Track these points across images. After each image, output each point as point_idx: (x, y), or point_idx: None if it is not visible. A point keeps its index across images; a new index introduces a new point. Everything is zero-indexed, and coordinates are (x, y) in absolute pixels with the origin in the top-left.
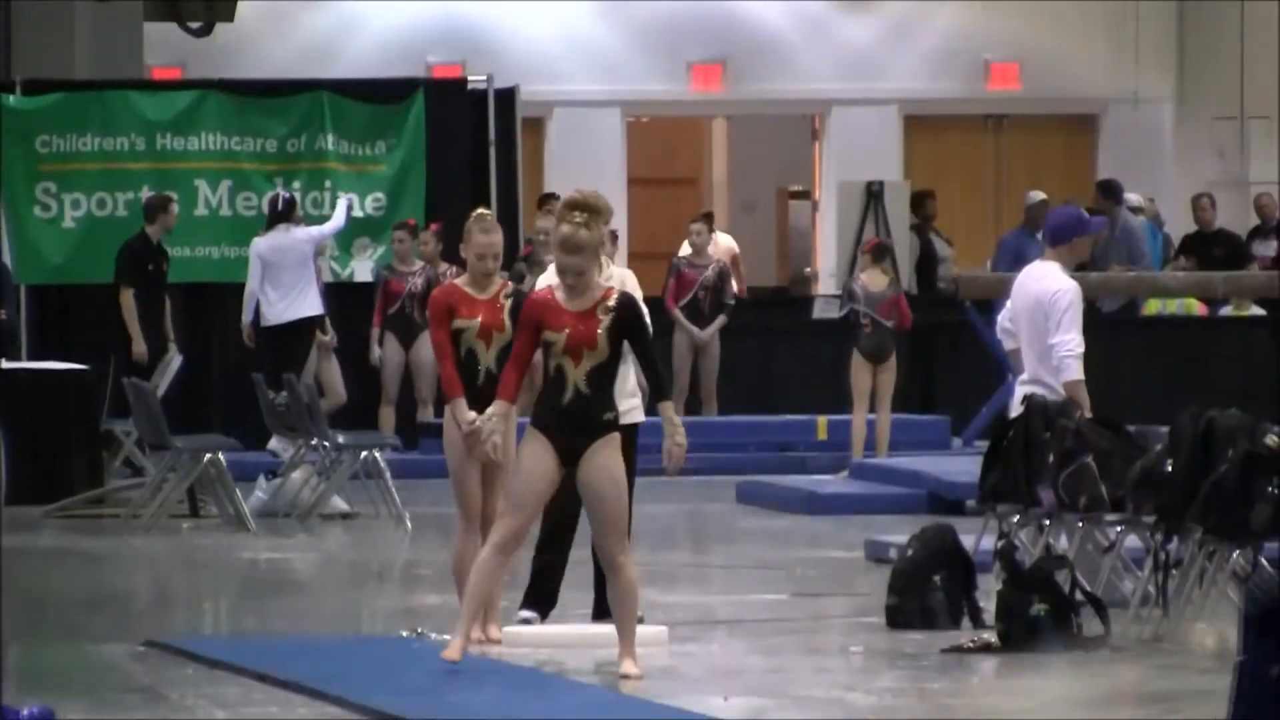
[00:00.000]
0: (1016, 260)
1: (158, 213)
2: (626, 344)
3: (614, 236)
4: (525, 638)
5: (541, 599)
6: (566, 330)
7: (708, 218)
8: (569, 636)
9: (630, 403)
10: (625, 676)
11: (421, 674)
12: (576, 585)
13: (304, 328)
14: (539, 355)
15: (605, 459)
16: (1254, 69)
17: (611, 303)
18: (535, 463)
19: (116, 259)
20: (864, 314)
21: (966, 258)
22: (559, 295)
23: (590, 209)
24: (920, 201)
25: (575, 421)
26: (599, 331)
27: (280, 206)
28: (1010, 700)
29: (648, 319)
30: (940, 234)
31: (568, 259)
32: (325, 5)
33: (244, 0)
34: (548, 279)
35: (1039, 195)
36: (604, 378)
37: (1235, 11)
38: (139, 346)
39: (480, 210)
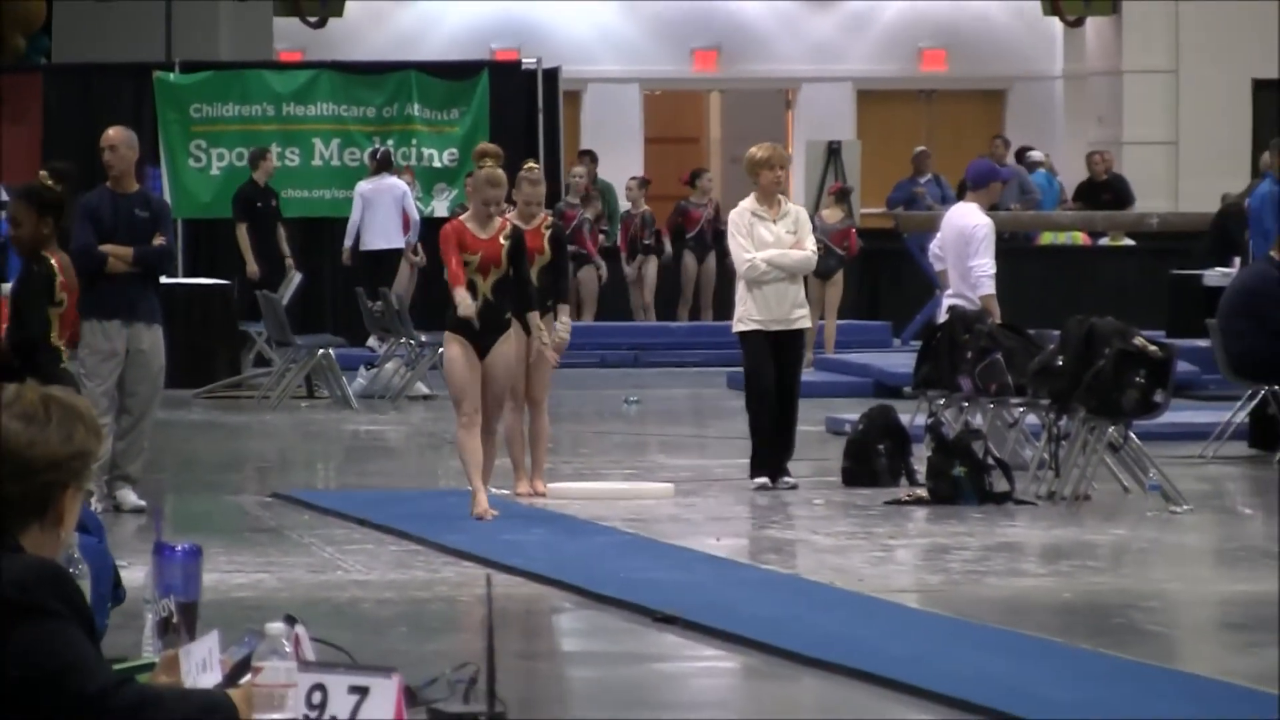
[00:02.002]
0: (904, 196)
1: (258, 161)
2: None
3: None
4: (567, 491)
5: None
6: (480, 253)
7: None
8: (600, 491)
9: (799, 311)
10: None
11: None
12: (613, 450)
13: (391, 254)
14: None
15: (506, 350)
16: (1130, 58)
17: (508, 231)
18: (463, 361)
19: (231, 202)
20: (818, 240)
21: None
22: (471, 225)
23: (496, 155)
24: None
25: (485, 324)
26: (503, 254)
27: (379, 157)
28: (937, 540)
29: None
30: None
31: (496, 191)
32: (412, 4)
33: (351, 0)
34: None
35: (920, 148)
36: (505, 288)
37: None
38: (252, 268)
39: (530, 164)
